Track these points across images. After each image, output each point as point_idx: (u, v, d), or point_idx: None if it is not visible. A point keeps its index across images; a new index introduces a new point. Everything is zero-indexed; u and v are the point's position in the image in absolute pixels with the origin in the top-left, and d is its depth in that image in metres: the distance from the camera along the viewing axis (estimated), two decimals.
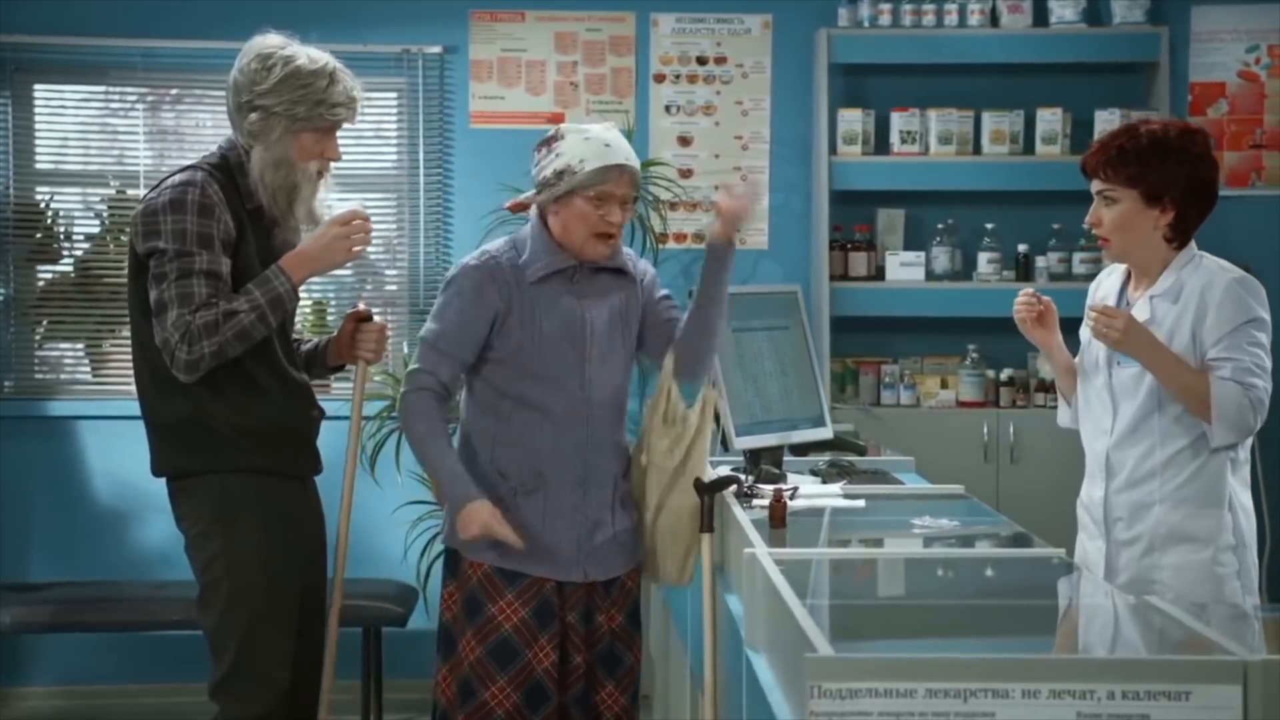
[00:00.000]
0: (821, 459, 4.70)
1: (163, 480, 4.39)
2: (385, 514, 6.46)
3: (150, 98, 6.79)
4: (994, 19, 6.64)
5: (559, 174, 3.82)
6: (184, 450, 3.86)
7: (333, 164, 3.94)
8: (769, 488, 4.11)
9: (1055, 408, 6.50)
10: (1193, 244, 3.83)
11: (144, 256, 3.81)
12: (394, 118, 6.76)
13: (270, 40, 3.90)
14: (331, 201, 4.05)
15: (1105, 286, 3.96)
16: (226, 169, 3.87)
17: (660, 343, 3.96)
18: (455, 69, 6.76)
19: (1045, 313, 3.99)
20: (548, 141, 3.89)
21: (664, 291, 4.03)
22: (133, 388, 6.66)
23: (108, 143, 6.84)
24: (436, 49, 6.73)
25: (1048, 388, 6.54)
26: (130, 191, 6.76)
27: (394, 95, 6.75)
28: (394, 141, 6.74)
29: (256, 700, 3.83)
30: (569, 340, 3.85)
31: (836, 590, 3.15)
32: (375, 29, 6.67)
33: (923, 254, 6.58)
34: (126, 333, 6.76)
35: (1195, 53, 6.82)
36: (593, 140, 3.84)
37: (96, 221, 6.82)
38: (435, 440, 3.80)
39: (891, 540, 3.66)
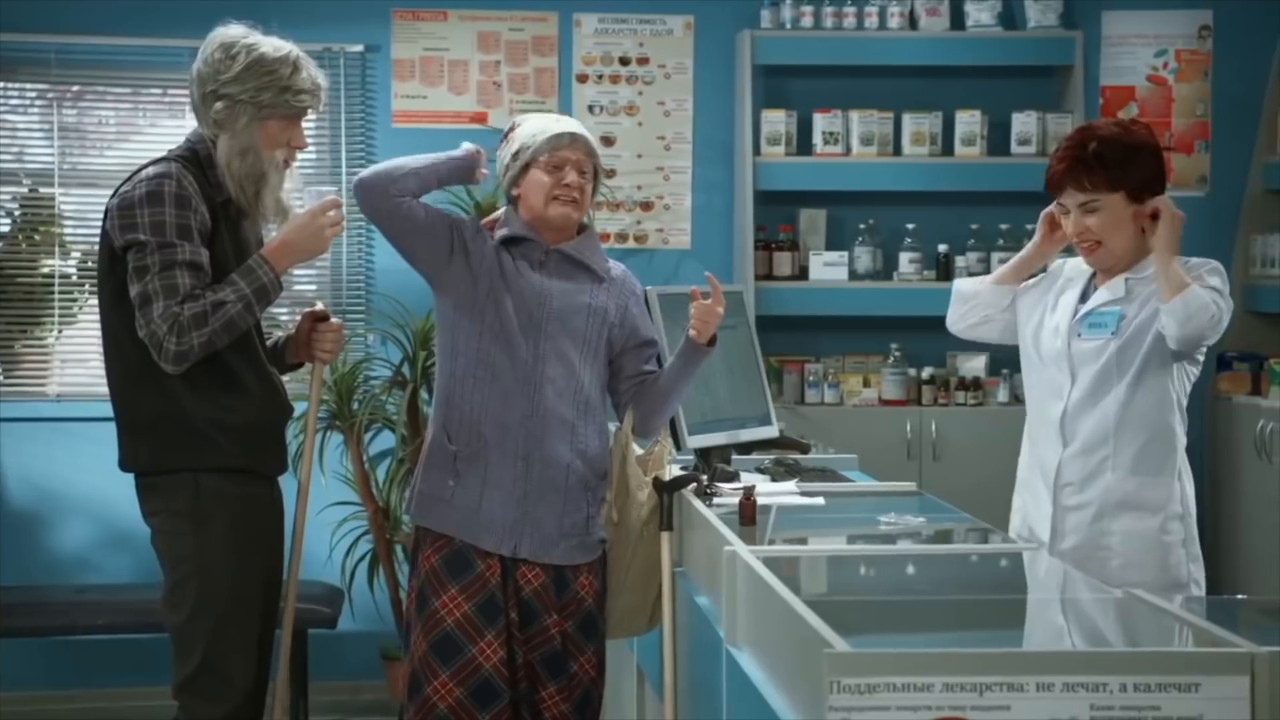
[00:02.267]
0: (766, 457, 4.73)
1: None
2: (309, 515, 6.39)
3: (51, 94, 6.69)
4: (912, 22, 6.73)
5: (515, 155, 3.98)
6: (158, 447, 3.82)
7: (299, 153, 3.94)
8: (727, 486, 4.14)
9: (977, 405, 6.66)
10: None
11: (121, 250, 3.77)
12: (315, 117, 6.70)
13: (232, 31, 3.90)
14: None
15: (1072, 268, 3.97)
16: (196, 161, 3.85)
17: (628, 393, 4.03)
18: (377, 68, 6.74)
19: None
20: (506, 134, 4.05)
21: (648, 336, 4.07)
22: (46, 388, 6.77)
23: (8, 139, 6.71)
24: (358, 48, 6.70)
25: (968, 386, 6.64)
26: (43, 190, 6.66)
27: None
28: (315, 141, 6.69)
29: (223, 700, 3.80)
30: (525, 310, 3.91)
31: (825, 586, 3.18)
32: (296, 27, 6.45)
33: (845, 254, 6.65)
34: (39, 333, 6.70)
35: (1106, 57, 6.95)
36: (544, 118, 4.05)
37: (7, 220, 6.70)
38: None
39: (864, 537, 3.70)
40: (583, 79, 6.81)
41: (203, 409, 3.79)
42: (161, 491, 3.83)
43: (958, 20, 6.74)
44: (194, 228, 3.75)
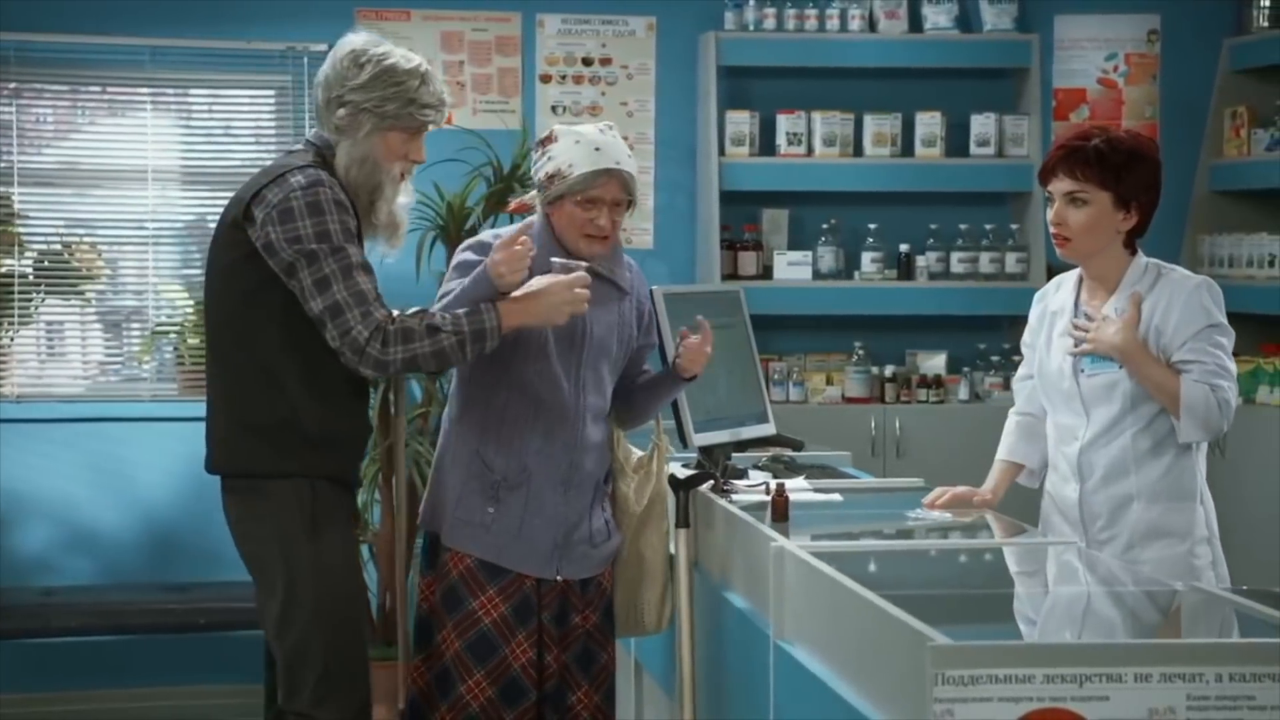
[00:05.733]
0: (762, 455, 4.77)
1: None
2: None
3: (6, 91, 6.60)
4: (872, 24, 6.81)
5: (550, 177, 3.91)
6: (273, 451, 3.75)
7: (416, 166, 3.86)
8: (740, 483, 4.19)
9: (939, 402, 6.75)
10: (1140, 252, 3.95)
11: (287, 257, 3.67)
12: (274, 116, 6.69)
13: (361, 38, 3.84)
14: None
15: (1056, 301, 4.00)
16: (326, 166, 3.78)
17: (618, 391, 4.08)
18: None
19: None
20: (542, 142, 3.98)
21: (651, 340, 4.12)
22: (4, 389, 6.65)
23: None
24: (321, 46, 6.63)
25: (929, 384, 6.73)
26: (3, 189, 6.57)
27: (273, 93, 6.68)
28: (274, 140, 6.64)
29: (348, 705, 3.78)
30: (568, 340, 3.91)
31: (889, 581, 3.21)
32: (258, 26, 6.59)
33: (809, 254, 6.72)
34: None
35: (1058, 60, 7.08)
36: (583, 143, 3.91)
37: None
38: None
39: (901, 532, 3.75)
40: (546, 79, 6.83)
41: (318, 418, 3.75)
42: (274, 497, 3.75)
43: (916, 23, 6.83)
44: (353, 231, 3.72)
